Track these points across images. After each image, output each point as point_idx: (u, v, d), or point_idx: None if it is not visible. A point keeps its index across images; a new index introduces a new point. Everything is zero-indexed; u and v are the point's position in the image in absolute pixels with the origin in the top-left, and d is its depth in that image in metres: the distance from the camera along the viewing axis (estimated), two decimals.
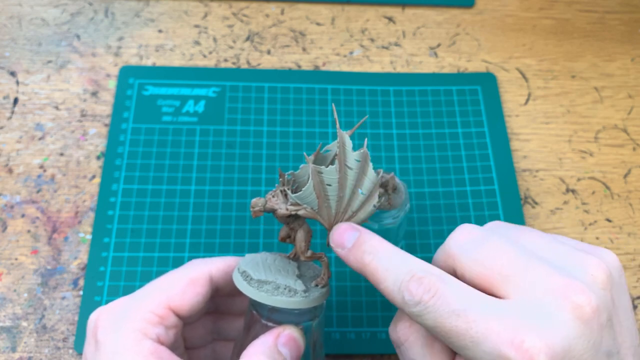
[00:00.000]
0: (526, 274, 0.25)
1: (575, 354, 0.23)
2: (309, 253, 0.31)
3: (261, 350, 0.28)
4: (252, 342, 0.29)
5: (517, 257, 0.25)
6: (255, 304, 0.30)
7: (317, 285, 0.30)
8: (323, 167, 0.28)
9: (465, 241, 0.27)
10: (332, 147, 0.30)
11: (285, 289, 0.29)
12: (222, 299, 0.34)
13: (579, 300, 0.24)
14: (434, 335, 0.26)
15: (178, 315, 0.29)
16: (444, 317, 0.24)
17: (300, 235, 0.30)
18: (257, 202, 0.29)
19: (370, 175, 0.29)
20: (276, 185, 0.30)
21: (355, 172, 0.29)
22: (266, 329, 0.30)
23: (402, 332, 0.28)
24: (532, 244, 0.27)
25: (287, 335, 0.29)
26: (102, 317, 0.29)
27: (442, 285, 0.25)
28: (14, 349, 0.39)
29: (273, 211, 0.29)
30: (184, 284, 0.30)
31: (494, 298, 0.25)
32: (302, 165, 0.30)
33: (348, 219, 0.30)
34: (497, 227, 0.29)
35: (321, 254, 0.31)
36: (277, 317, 0.30)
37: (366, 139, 0.31)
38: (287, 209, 0.29)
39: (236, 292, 0.30)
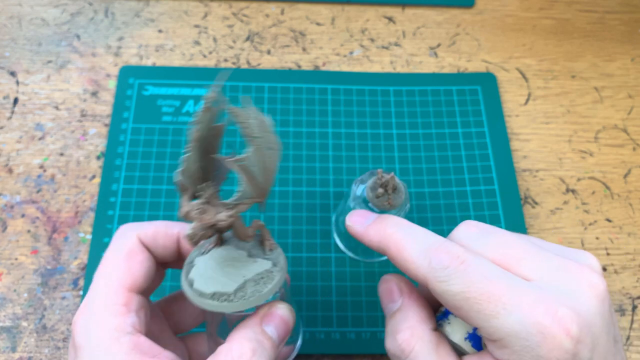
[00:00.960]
0: (539, 258, 0.26)
1: (596, 329, 0.24)
2: (251, 232, 0.29)
3: (246, 335, 0.27)
4: (237, 326, 0.28)
5: (527, 245, 0.26)
6: None
7: (271, 250, 0.29)
8: (244, 155, 0.25)
9: (474, 232, 0.27)
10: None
11: (242, 289, 0.27)
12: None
13: (595, 280, 0.25)
14: (455, 303, 0.25)
15: (138, 292, 0.29)
16: (475, 282, 0.24)
17: (239, 223, 0.27)
18: (194, 233, 0.25)
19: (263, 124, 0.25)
20: (194, 203, 0.26)
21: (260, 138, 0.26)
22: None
23: (405, 343, 0.27)
24: (532, 238, 0.28)
25: (271, 313, 0.28)
26: (77, 322, 0.28)
27: (471, 256, 0.25)
28: (14, 349, 0.39)
29: (214, 226, 0.26)
30: (124, 261, 0.29)
31: (518, 277, 0.25)
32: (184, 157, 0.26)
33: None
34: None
35: (256, 222, 0.29)
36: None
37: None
38: (229, 216, 0.26)
39: (174, 257, 0.30)
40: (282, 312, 0.29)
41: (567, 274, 0.25)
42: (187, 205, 0.26)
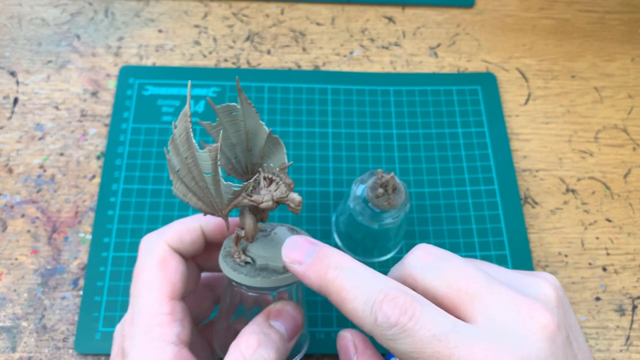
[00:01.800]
0: (491, 294, 0.24)
1: None
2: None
3: (252, 329, 0.28)
4: (247, 325, 0.29)
5: (480, 277, 0.25)
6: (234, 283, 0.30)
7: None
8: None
9: (428, 261, 0.26)
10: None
11: (260, 269, 0.28)
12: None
13: (544, 319, 0.24)
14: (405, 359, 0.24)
15: (179, 299, 0.30)
16: (424, 342, 0.23)
17: (250, 219, 0.28)
18: (293, 197, 0.27)
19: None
20: (260, 180, 0.28)
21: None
22: (252, 296, 0.30)
23: None
24: (486, 266, 0.27)
25: (278, 309, 0.29)
26: (123, 332, 0.29)
27: (419, 307, 0.23)
28: (14, 349, 0.39)
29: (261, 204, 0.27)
30: (159, 270, 0.30)
31: (464, 322, 0.24)
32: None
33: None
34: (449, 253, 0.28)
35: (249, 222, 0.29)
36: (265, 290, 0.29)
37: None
38: (279, 194, 0.27)
39: (198, 253, 0.31)
40: (290, 308, 0.29)
41: (517, 316, 0.24)
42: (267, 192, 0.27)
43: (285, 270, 0.28)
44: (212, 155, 0.25)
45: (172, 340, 0.28)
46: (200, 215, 0.32)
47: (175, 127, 0.26)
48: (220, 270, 0.31)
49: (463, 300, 0.25)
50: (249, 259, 0.28)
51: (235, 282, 0.28)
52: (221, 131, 0.28)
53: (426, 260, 0.26)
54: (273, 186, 0.27)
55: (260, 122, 0.28)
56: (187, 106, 0.25)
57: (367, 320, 0.24)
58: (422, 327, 0.23)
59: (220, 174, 0.25)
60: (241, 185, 0.26)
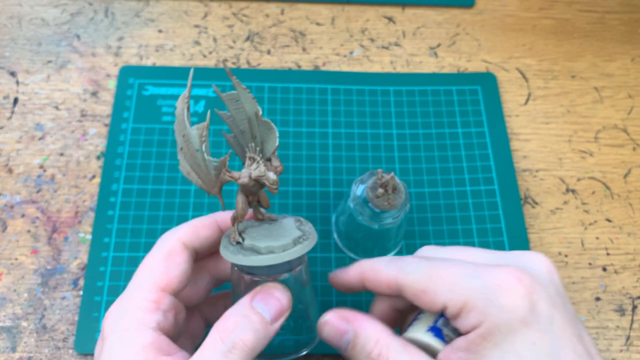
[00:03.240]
0: (491, 252, 0.30)
1: (550, 290, 0.27)
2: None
3: (232, 311, 0.28)
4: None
5: (479, 249, 0.30)
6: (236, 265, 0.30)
7: (300, 222, 0.31)
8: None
9: (431, 248, 0.31)
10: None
11: (256, 249, 0.29)
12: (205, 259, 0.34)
13: (543, 259, 0.28)
14: (422, 286, 0.28)
15: (172, 293, 0.30)
16: (437, 265, 0.28)
17: (240, 198, 0.30)
18: (269, 176, 0.28)
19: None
20: (246, 159, 0.29)
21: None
22: (251, 282, 0.30)
23: (379, 357, 0.27)
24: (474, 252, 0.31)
25: (263, 291, 0.29)
26: (108, 316, 0.29)
27: (432, 253, 0.31)
28: (14, 349, 0.39)
29: (262, 177, 0.28)
30: (163, 262, 0.30)
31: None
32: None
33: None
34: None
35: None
36: (255, 272, 0.30)
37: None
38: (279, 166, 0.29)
39: (214, 250, 0.31)
40: (275, 290, 0.29)
41: (516, 255, 0.28)
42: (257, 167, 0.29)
43: (267, 252, 0.28)
44: (199, 132, 0.27)
45: (151, 325, 0.28)
46: (218, 213, 0.32)
47: (175, 108, 0.28)
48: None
49: (467, 258, 0.29)
50: (240, 239, 0.29)
51: (224, 258, 0.29)
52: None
53: (429, 249, 0.31)
54: (254, 165, 0.29)
55: (258, 107, 0.29)
56: (187, 89, 0.27)
57: (391, 269, 0.29)
58: (434, 259, 0.29)
59: (208, 151, 0.27)
60: (219, 159, 0.27)
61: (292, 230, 0.30)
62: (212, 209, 0.44)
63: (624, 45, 0.55)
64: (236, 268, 0.30)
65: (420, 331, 0.28)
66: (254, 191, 0.29)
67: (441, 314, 0.28)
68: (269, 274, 0.30)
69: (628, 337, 0.41)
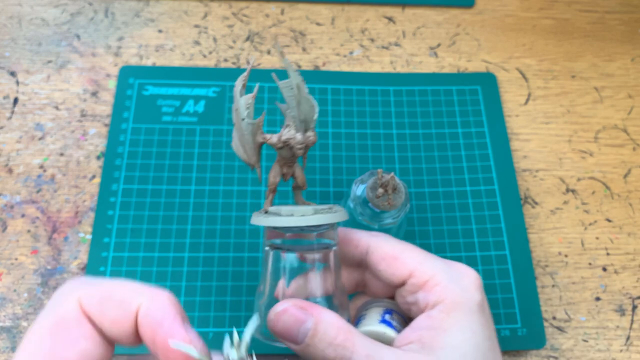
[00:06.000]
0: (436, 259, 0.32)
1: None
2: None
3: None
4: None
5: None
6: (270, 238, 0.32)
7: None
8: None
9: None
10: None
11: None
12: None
13: (474, 273, 0.31)
14: (394, 253, 0.31)
15: None
16: (406, 244, 0.31)
17: (275, 167, 0.32)
18: (297, 137, 0.30)
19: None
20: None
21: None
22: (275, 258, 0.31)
23: (346, 342, 0.27)
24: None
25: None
26: None
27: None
28: (14, 349, 0.39)
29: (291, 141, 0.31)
30: (48, 338, 0.21)
31: None
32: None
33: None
34: None
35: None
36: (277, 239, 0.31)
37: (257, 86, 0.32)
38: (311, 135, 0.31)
39: (128, 338, 0.22)
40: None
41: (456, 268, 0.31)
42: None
43: (287, 214, 0.29)
44: (245, 100, 0.30)
45: None
46: (155, 291, 0.23)
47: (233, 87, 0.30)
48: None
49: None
50: (267, 208, 0.31)
51: (254, 224, 0.31)
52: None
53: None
54: (286, 129, 0.31)
55: (301, 79, 0.31)
56: (247, 71, 0.31)
57: (363, 234, 0.32)
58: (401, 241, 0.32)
59: (251, 118, 0.30)
60: (255, 120, 0.30)
61: (320, 208, 0.31)
62: (212, 208, 0.44)
63: (624, 45, 0.55)
64: (265, 236, 0.31)
65: (372, 324, 0.31)
66: (286, 157, 0.32)
67: (385, 310, 0.32)
68: (290, 245, 0.31)
69: (628, 337, 0.41)
